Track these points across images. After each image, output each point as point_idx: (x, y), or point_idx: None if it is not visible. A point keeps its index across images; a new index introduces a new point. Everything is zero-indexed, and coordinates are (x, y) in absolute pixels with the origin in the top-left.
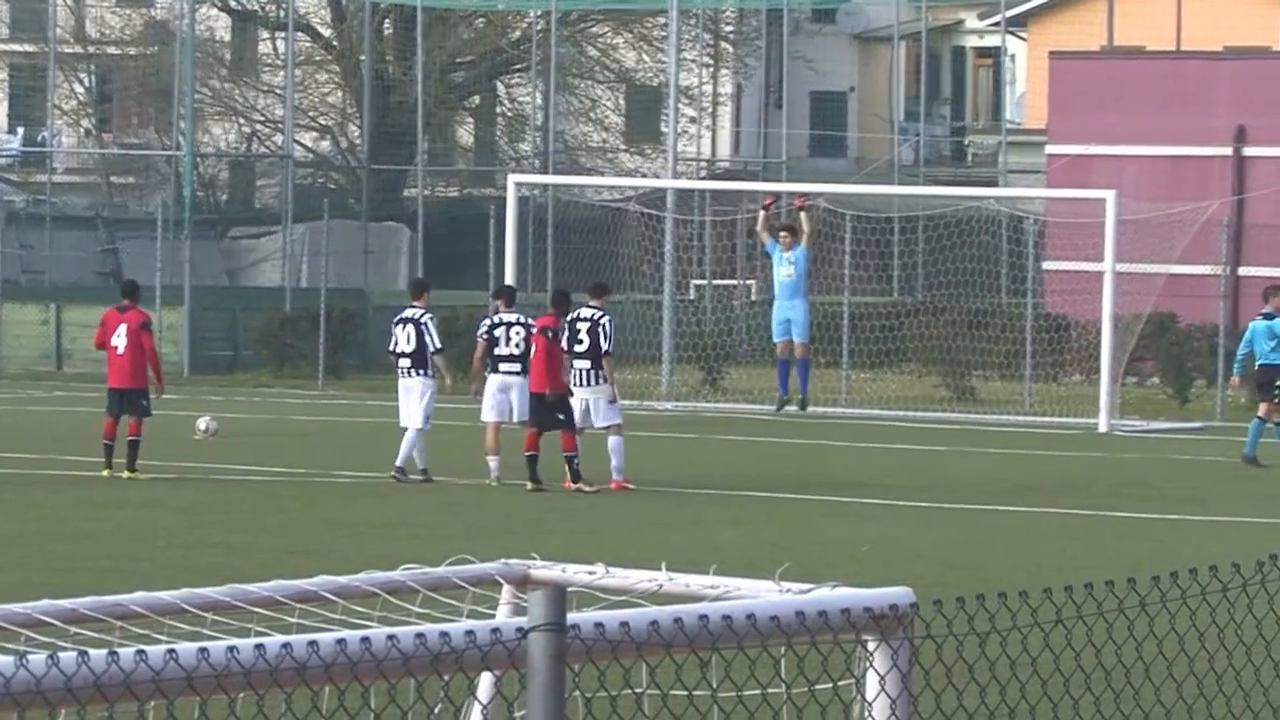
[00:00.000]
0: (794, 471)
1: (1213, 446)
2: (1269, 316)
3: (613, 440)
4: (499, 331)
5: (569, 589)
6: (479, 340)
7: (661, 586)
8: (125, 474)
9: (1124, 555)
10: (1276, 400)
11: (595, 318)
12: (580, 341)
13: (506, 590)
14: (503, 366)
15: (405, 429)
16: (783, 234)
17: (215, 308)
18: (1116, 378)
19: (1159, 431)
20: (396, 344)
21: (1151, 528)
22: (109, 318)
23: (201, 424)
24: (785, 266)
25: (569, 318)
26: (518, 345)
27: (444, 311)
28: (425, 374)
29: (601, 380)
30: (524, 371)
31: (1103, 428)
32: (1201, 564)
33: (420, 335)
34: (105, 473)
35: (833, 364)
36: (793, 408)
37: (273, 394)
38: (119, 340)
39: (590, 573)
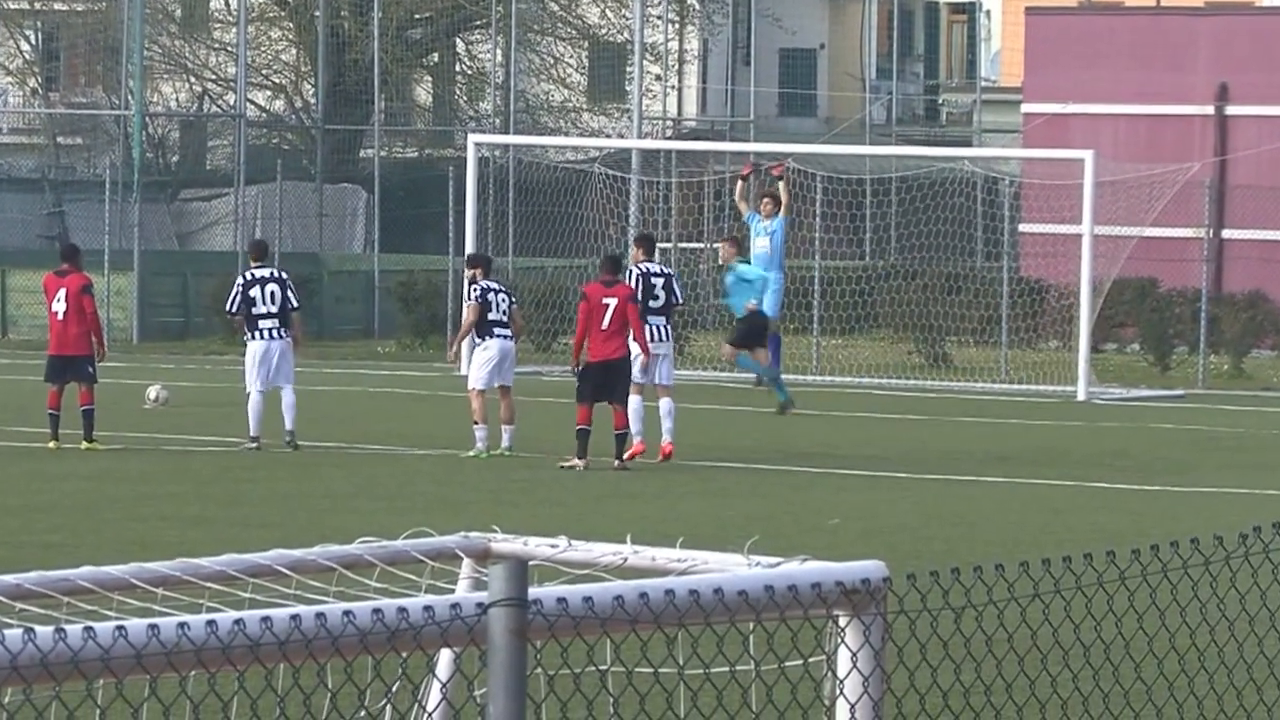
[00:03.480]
0: (763, 441)
1: (1194, 415)
2: None
3: (670, 402)
4: (490, 297)
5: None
6: (472, 305)
7: (626, 560)
8: (84, 445)
9: (1103, 527)
10: None
11: (667, 273)
12: (656, 297)
13: (466, 564)
14: (498, 331)
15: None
16: (764, 201)
17: (165, 272)
18: (1094, 344)
19: (1139, 399)
20: (253, 305)
21: (1131, 499)
22: (48, 282)
23: (152, 393)
24: (761, 238)
25: (639, 272)
26: (504, 312)
27: (401, 276)
28: (289, 333)
29: (670, 336)
30: (513, 336)
31: (1081, 396)
32: (1182, 536)
33: (284, 291)
34: (52, 444)
35: (803, 330)
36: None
37: (225, 361)
38: (59, 305)
39: (553, 546)
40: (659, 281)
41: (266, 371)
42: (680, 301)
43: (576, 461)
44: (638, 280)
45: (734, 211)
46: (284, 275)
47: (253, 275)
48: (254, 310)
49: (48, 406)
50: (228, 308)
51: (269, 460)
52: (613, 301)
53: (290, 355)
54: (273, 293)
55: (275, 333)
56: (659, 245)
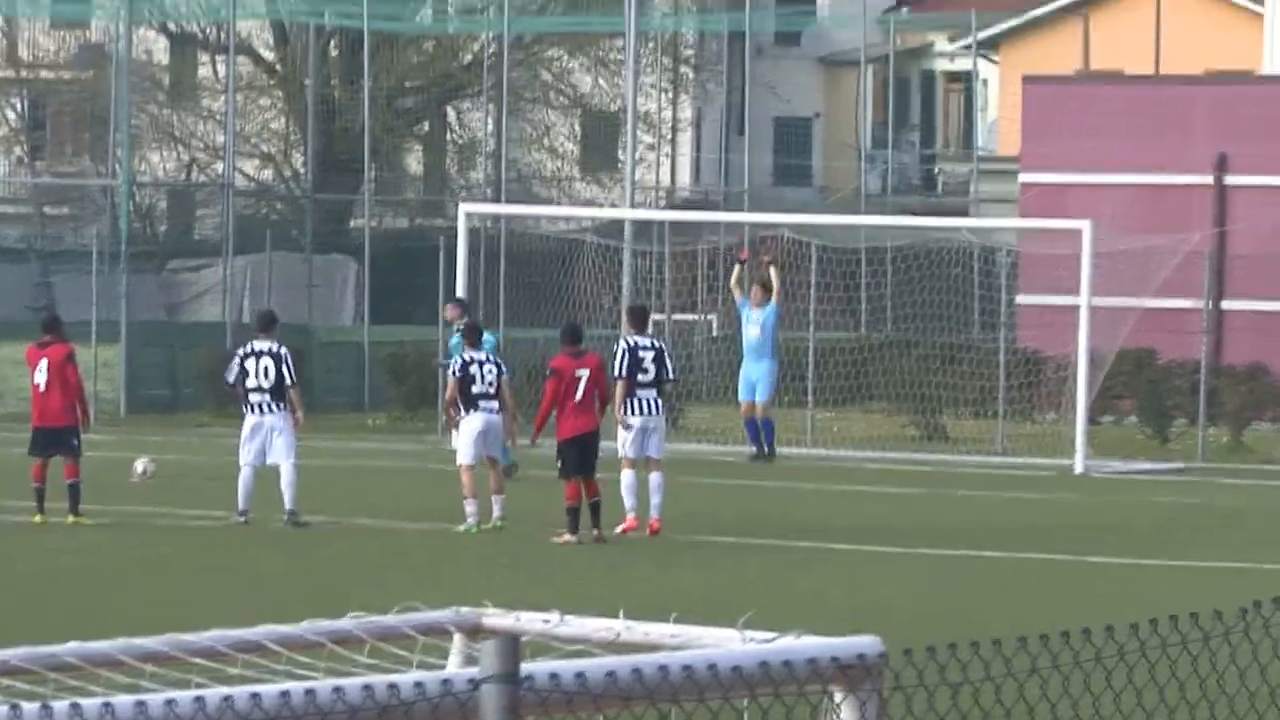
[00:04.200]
0: (758, 515)
1: (1194, 488)
2: None
3: (661, 476)
4: (473, 369)
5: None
6: (450, 378)
7: (619, 635)
8: (70, 519)
9: (1102, 602)
10: None
11: (658, 346)
12: (645, 370)
13: (458, 639)
14: (482, 404)
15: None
16: (754, 290)
17: (153, 344)
18: (1092, 416)
19: (1137, 473)
20: (246, 378)
21: (1129, 573)
22: (30, 354)
23: (139, 466)
24: (752, 326)
25: (627, 345)
26: (491, 383)
27: (391, 347)
28: (284, 409)
29: (661, 409)
30: (500, 410)
31: (1079, 468)
32: (1182, 611)
33: (279, 367)
34: (37, 519)
35: (798, 403)
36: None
37: (213, 434)
38: (40, 377)
39: (545, 621)
40: (648, 355)
41: (258, 446)
42: (672, 377)
43: (569, 537)
44: (624, 354)
45: (726, 285)
46: (282, 350)
47: (252, 348)
48: (247, 384)
49: (32, 480)
50: (226, 378)
51: (258, 535)
52: (585, 373)
53: (288, 431)
54: (266, 367)
55: (267, 407)
56: (653, 316)
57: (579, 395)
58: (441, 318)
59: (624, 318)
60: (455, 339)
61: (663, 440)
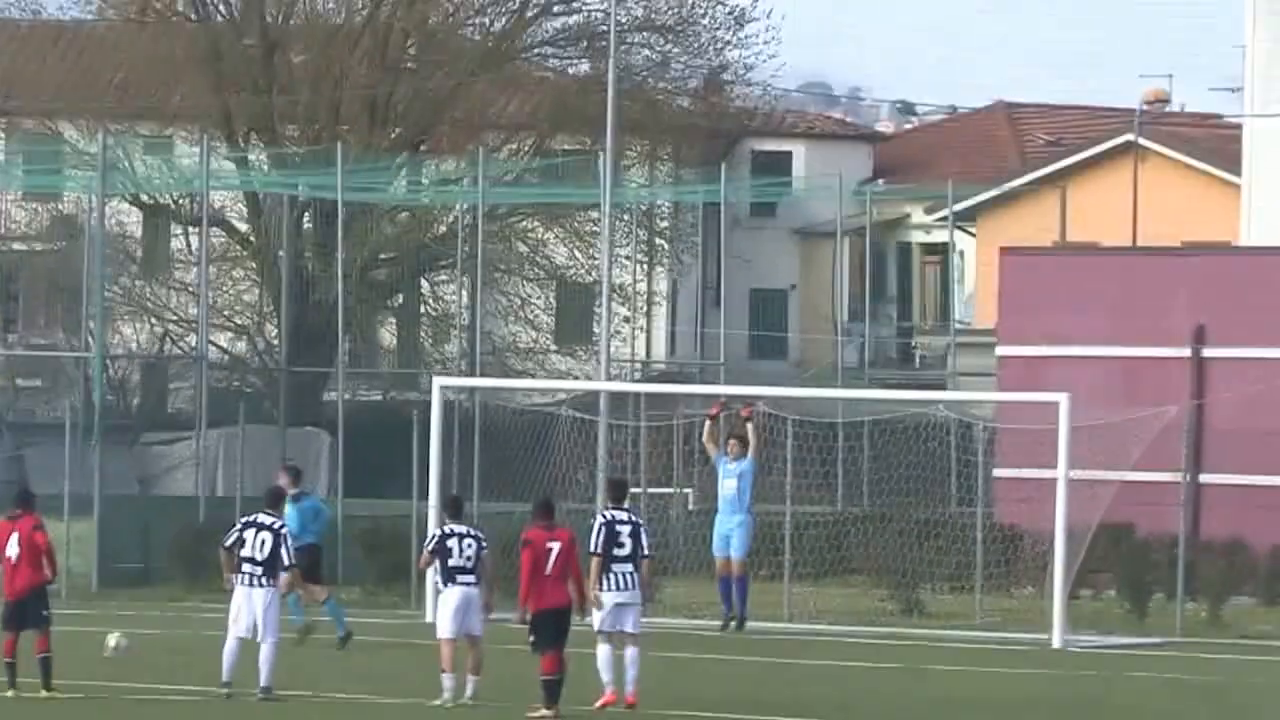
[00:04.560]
0: (735, 691)
1: (1173, 663)
2: None
3: (636, 651)
4: (451, 543)
5: None
6: (425, 553)
7: None
8: (42, 693)
9: None
10: None
11: (635, 521)
12: (621, 545)
13: None
14: (460, 579)
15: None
16: (731, 443)
17: (126, 517)
18: (1069, 590)
19: (1116, 647)
20: (242, 547)
21: None
22: (1, 528)
23: (111, 640)
24: (729, 480)
25: (604, 520)
26: (469, 558)
27: (365, 521)
28: (274, 584)
29: (637, 584)
30: (478, 583)
31: (1056, 643)
32: None
33: (277, 546)
34: (10, 693)
35: (774, 577)
36: (733, 624)
37: (187, 608)
38: (12, 550)
39: None
40: (625, 530)
41: (247, 619)
42: (648, 554)
43: (545, 712)
44: (602, 528)
45: (703, 455)
46: (283, 529)
47: (255, 520)
48: (241, 552)
49: (3, 654)
50: (223, 542)
51: (233, 710)
52: (555, 546)
53: (275, 606)
54: (264, 541)
55: (257, 581)
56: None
57: (549, 568)
58: (416, 494)
59: (603, 490)
60: (290, 509)
61: (639, 616)
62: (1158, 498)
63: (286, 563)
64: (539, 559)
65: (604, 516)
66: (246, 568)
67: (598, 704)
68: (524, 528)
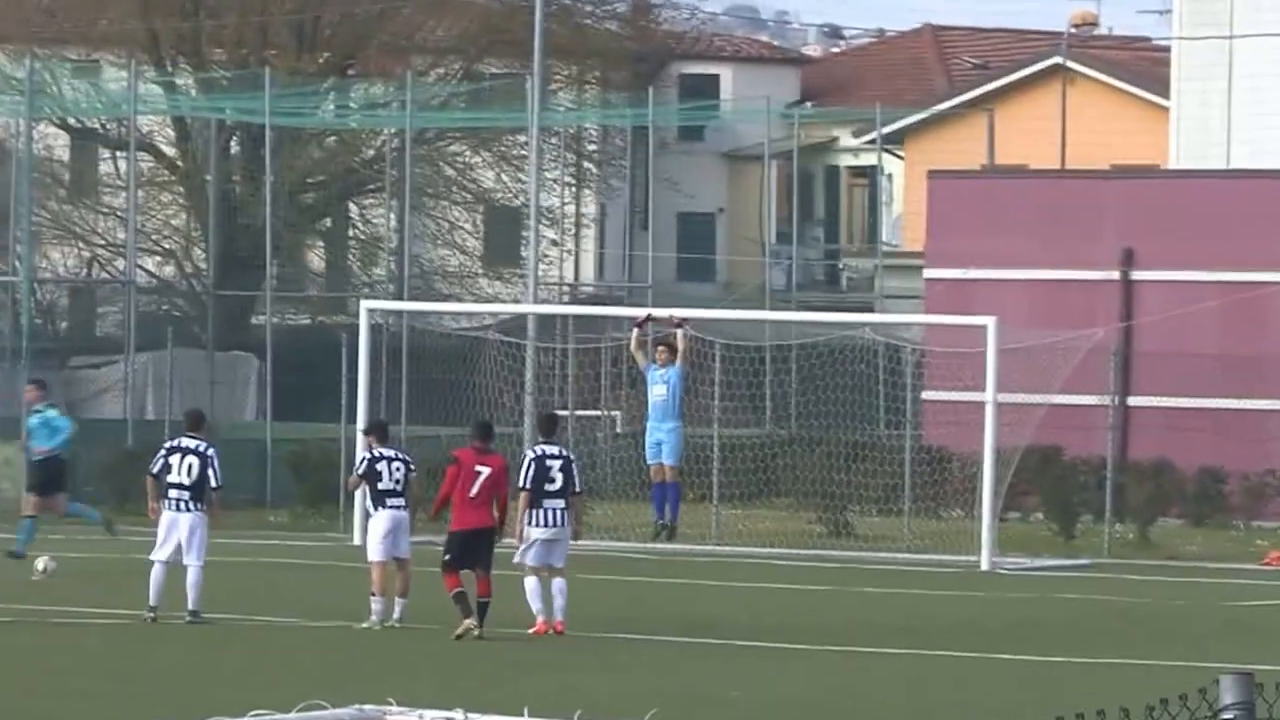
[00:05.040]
0: (664, 613)
1: (1100, 584)
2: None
3: (563, 581)
4: (380, 466)
5: None
6: (353, 476)
7: None
8: None
9: (1009, 699)
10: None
11: (566, 456)
12: (552, 480)
13: None
14: (390, 502)
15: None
16: (659, 349)
17: None
18: (997, 513)
19: (1043, 569)
20: (168, 472)
21: (1036, 670)
22: None
23: (40, 564)
24: (659, 386)
25: (534, 455)
26: (397, 481)
27: (294, 444)
28: (201, 508)
29: (566, 520)
30: (407, 506)
31: (985, 565)
32: (1089, 709)
33: (204, 468)
34: None
35: (703, 499)
36: (665, 532)
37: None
38: None
39: (449, 718)
40: (556, 464)
41: (173, 544)
42: (579, 489)
43: (465, 622)
44: (532, 464)
45: (631, 376)
46: (209, 450)
47: (179, 444)
48: (168, 479)
49: None
50: (150, 469)
51: (160, 633)
52: (485, 470)
53: (201, 530)
54: (190, 465)
55: (183, 505)
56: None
57: (474, 491)
58: (345, 417)
59: (533, 424)
60: (34, 419)
61: (565, 550)
62: (1085, 420)
63: (214, 484)
64: (464, 479)
65: (535, 451)
66: (173, 493)
67: (530, 631)
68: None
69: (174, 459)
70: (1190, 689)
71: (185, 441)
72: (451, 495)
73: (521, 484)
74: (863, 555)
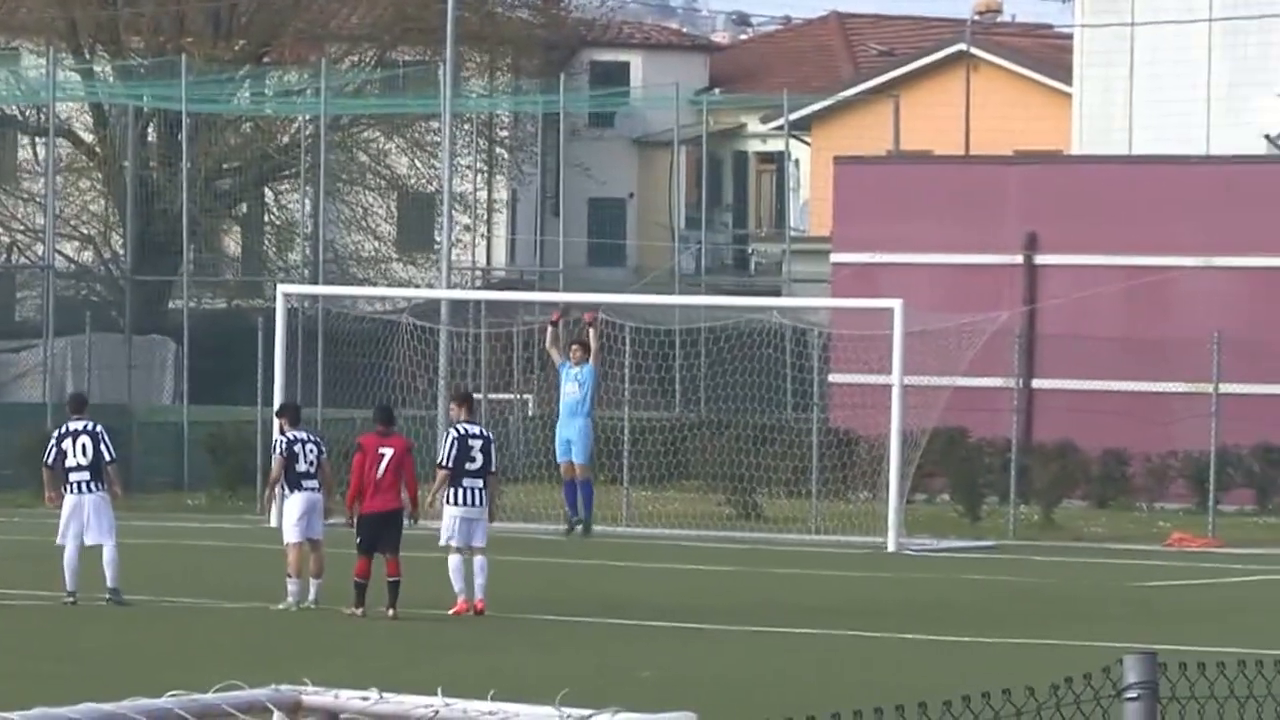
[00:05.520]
0: (575, 593)
1: (1005, 565)
2: None
3: (484, 559)
4: (296, 448)
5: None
6: (276, 457)
7: (438, 713)
8: None
9: (915, 678)
10: None
11: (487, 436)
12: (474, 459)
13: (278, 717)
14: (305, 484)
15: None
16: (574, 348)
17: None
18: (904, 495)
19: (949, 550)
20: (64, 459)
21: (942, 650)
22: None
23: None
24: (570, 384)
25: (457, 434)
26: (311, 463)
27: (210, 427)
28: (103, 488)
29: (485, 500)
30: (320, 488)
31: (891, 547)
32: (994, 688)
33: (97, 446)
34: None
35: (614, 481)
36: (578, 528)
37: (35, 515)
38: None
39: (364, 699)
40: (477, 444)
41: (79, 526)
42: (495, 469)
43: (356, 610)
44: (454, 442)
45: (542, 359)
46: (98, 428)
47: (67, 428)
48: (65, 463)
49: None
50: (44, 460)
51: (80, 615)
52: (388, 452)
53: (107, 509)
54: (84, 445)
55: (86, 486)
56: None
57: (380, 473)
58: (261, 400)
59: (452, 404)
60: None
61: (485, 530)
62: (990, 403)
63: (109, 458)
64: (369, 464)
65: (457, 430)
66: (74, 476)
67: (450, 611)
68: (361, 434)
69: (66, 444)
70: (1094, 668)
71: (73, 425)
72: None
73: (443, 462)
74: (771, 537)
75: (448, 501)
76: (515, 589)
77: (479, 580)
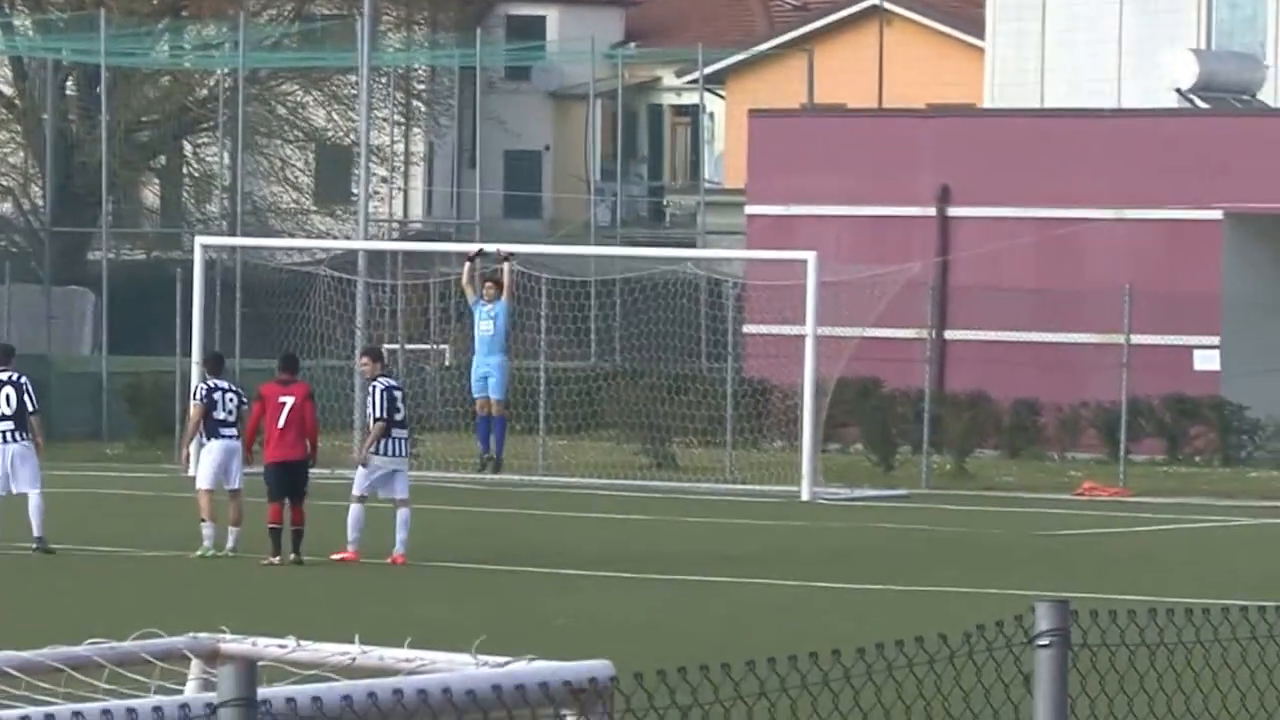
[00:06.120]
0: (492, 542)
1: (918, 514)
2: None
3: (407, 512)
4: (216, 397)
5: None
6: (196, 404)
7: (355, 660)
8: None
9: (829, 627)
10: None
11: (401, 385)
12: (399, 410)
13: (195, 665)
14: (224, 431)
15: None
16: (487, 285)
17: None
18: (818, 444)
19: (863, 499)
20: None
21: (856, 598)
22: None
23: None
24: (485, 321)
25: (384, 386)
26: (230, 411)
27: (129, 377)
28: (27, 438)
29: (407, 450)
30: (239, 436)
31: (805, 496)
32: (908, 635)
33: (20, 396)
34: None
35: (529, 431)
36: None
37: None
38: None
39: (281, 646)
40: (399, 395)
41: (3, 475)
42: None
43: (273, 559)
44: (383, 393)
45: (459, 310)
46: (22, 379)
47: None
48: None
49: None
50: None
51: (3, 563)
52: (289, 400)
53: (32, 459)
54: (8, 395)
55: (11, 436)
56: (386, 346)
57: (282, 422)
58: (179, 351)
59: (363, 358)
60: None
61: (407, 481)
62: (903, 353)
63: (32, 408)
64: (270, 412)
65: (382, 383)
66: (3, 425)
67: (334, 556)
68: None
69: None
70: (1006, 616)
71: None
72: (261, 429)
73: (377, 414)
74: (686, 486)
75: (375, 452)
76: (432, 538)
77: (400, 535)
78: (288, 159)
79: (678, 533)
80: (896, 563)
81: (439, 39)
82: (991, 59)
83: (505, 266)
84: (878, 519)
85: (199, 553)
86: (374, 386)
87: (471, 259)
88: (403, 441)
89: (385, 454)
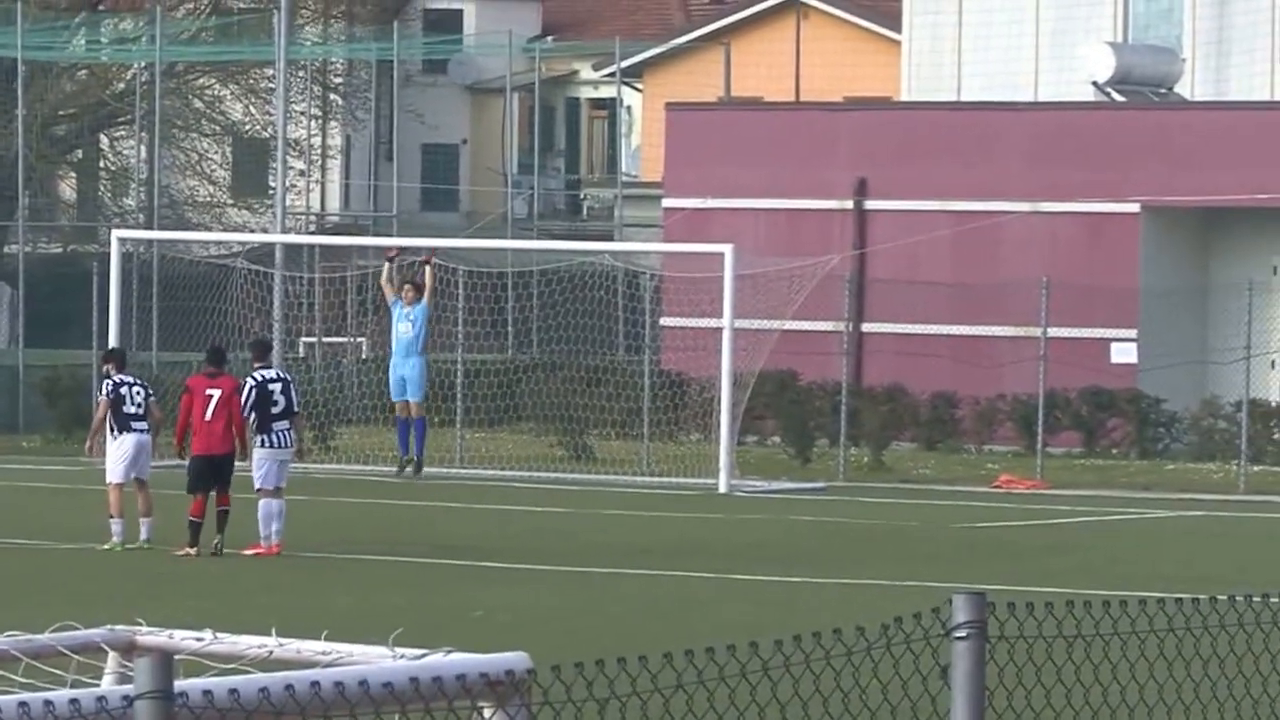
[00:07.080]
0: (408, 534)
1: (835, 507)
2: None
3: (280, 502)
4: (124, 391)
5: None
6: (102, 400)
7: (272, 653)
8: None
9: (745, 619)
10: None
11: (284, 378)
12: (275, 403)
13: (112, 658)
14: (135, 425)
15: None
16: (406, 288)
17: None
18: (735, 437)
19: (780, 492)
20: None
21: (773, 590)
22: None
23: None
24: (404, 323)
25: (254, 381)
26: (139, 405)
27: (45, 371)
28: None
29: (292, 441)
30: (149, 430)
31: (722, 488)
32: (824, 627)
33: None
34: None
35: (447, 423)
36: (409, 467)
37: None
38: None
39: (198, 639)
40: (276, 387)
41: None
42: (298, 409)
43: (190, 550)
44: (253, 390)
45: (376, 303)
46: None
47: None
48: None
49: None
50: None
51: None
52: (216, 393)
53: None
54: None
55: None
56: (303, 339)
57: (209, 414)
58: (96, 344)
59: (250, 351)
60: None
61: (286, 471)
62: (821, 346)
63: None
64: (198, 405)
65: (254, 379)
66: None
67: (249, 551)
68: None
69: None
70: (924, 608)
71: None
72: (190, 422)
73: (245, 411)
74: (603, 478)
75: (260, 445)
76: (349, 530)
77: (275, 525)
78: (205, 152)
79: (595, 525)
80: (814, 555)
81: (356, 32)
82: (908, 52)
83: (427, 269)
84: (795, 511)
85: (107, 546)
86: (245, 381)
87: (390, 258)
88: (284, 433)
89: (272, 446)
